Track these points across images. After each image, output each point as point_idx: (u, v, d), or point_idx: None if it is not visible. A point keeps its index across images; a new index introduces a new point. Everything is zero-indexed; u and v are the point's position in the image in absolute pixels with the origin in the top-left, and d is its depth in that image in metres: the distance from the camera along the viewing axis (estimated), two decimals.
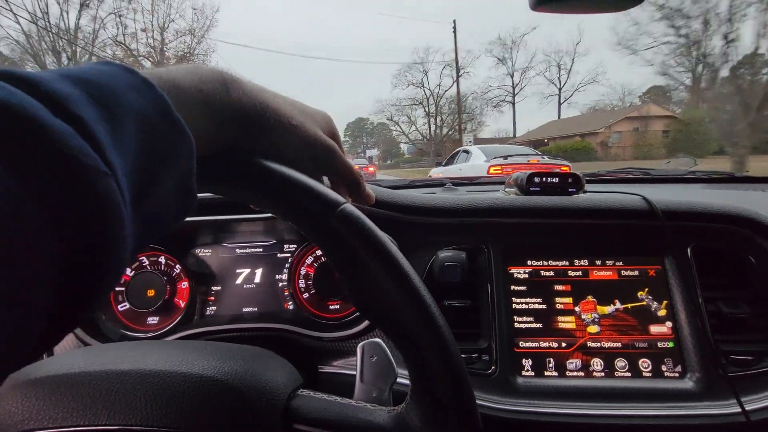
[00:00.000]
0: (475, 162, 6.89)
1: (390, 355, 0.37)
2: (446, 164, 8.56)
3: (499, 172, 5.14)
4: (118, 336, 0.63)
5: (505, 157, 5.54)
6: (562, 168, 5.51)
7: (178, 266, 0.65)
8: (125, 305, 0.63)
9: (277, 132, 0.29)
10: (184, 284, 0.65)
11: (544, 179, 0.62)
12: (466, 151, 8.02)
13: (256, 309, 0.66)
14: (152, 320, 0.64)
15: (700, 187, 1.08)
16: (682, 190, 1.05)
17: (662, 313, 0.58)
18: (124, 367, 0.31)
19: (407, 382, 0.55)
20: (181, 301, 0.64)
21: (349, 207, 0.28)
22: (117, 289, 0.64)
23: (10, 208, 0.14)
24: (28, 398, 0.30)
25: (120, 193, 0.18)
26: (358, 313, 0.64)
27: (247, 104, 0.27)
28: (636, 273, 0.59)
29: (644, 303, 0.58)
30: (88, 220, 0.17)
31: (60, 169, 0.16)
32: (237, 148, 0.28)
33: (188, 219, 0.60)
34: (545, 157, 6.77)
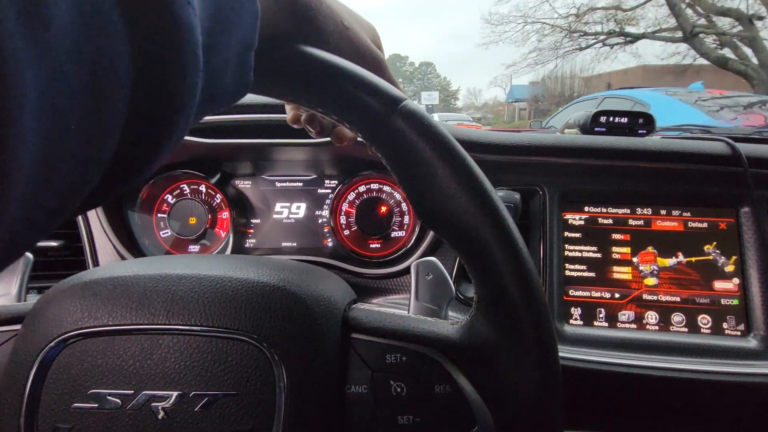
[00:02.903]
0: None
1: (446, 273, 0.35)
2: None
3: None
4: None
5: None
6: None
7: (219, 196, 0.64)
8: (167, 231, 0.63)
9: (329, 30, 0.27)
10: (225, 214, 0.64)
11: (611, 118, 0.56)
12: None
13: (294, 244, 0.65)
14: (193, 248, 0.64)
15: None
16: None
17: (730, 269, 0.54)
18: (178, 271, 0.30)
19: (455, 315, 0.53)
20: (222, 231, 0.64)
21: (412, 103, 0.25)
22: (159, 215, 0.64)
23: (96, 20, 0.12)
24: (85, 298, 0.29)
25: (198, 28, 0.15)
26: (399, 252, 0.62)
27: None
28: (704, 225, 0.55)
29: (710, 257, 0.54)
30: (166, 44, 0.14)
31: None
32: (287, 35, 0.25)
33: (227, 141, 0.58)
34: None
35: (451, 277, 0.56)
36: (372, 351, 0.28)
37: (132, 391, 0.26)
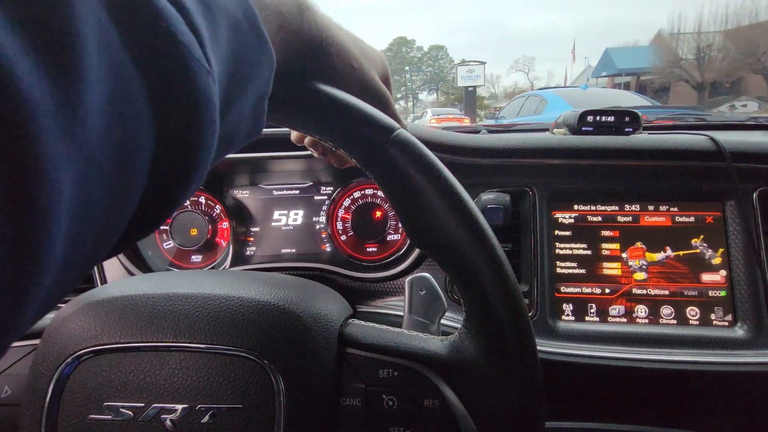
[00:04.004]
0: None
1: (439, 289, 0.37)
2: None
3: None
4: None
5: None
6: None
7: (218, 206, 0.65)
8: (170, 243, 0.65)
9: (337, 69, 0.29)
10: (225, 224, 0.66)
11: (597, 117, 0.58)
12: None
13: (294, 250, 0.67)
14: (196, 258, 0.66)
15: (761, 134, 1.00)
16: (744, 137, 0.97)
17: (717, 261, 0.55)
18: (184, 290, 0.32)
19: (452, 323, 0.55)
20: (222, 241, 0.66)
21: (404, 132, 0.27)
22: (162, 228, 0.65)
23: (121, 81, 0.13)
24: (98, 316, 0.31)
25: (216, 94, 0.17)
26: (395, 256, 0.64)
27: (316, 36, 0.27)
28: (691, 219, 0.56)
29: (698, 251, 0.56)
30: (186, 112, 0.16)
31: (168, 56, 0.15)
32: (295, 74, 0.27)
33: (226, 156, 0.60)
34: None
35: (445, 282, 0.58)
36: (365, 366, 0.30)
37: (143, 404, 0.29)
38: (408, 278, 0.37)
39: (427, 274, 0.37)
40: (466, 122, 10.60)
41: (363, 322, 0.34)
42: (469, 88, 16.73)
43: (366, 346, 0.31)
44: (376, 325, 0.33)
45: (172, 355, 0.29)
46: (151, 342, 0.29)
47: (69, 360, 0.30)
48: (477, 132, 1.07)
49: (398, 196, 0.27)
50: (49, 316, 0.33)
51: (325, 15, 0.28)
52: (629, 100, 4.86)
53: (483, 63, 16.83)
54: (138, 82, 0.14)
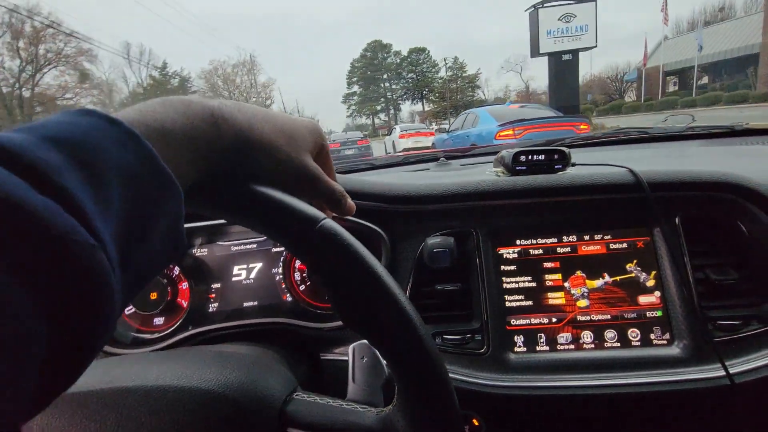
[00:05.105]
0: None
1: (379, 356, 0.39)
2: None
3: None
4: (129, 338, 0.66)
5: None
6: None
7: (176, 268, 0.66)
8: (131, 309, 0.66)
9: (263, 164, 0.30)
10: (185, 285, 0.67)
11: (530, 157, 0.61)
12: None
13: (256, 303, 0.68)
14: (158, 321, 0.67)
15: (699, 144, 1.06)
16: (681, 148, 1.03)
17: (651, 283, 0.59)
18: (128, 383, 0.34)
19: None
20: (183, 301, 0.67)
21: (329, 223, 0.29)
22: None
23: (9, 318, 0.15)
24: (45, 416, 0.32)
25: (108, 261, 0.18)
26: None
27: (236, 142, 0.27)
28: (624, 245, 0.60)
29: (633, 275, 0.59)
30: (77, 298, 0.17)
31: (46, 250, 0.16)
32: (221, 177, 0.28)
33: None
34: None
35: None
36: None
37: None
38: (351, 346, 0.39)
39: (367, 342, 0.39)
40: (432, 139, 11.06)
41: (305, 397, 0.36)
42: (565, 56, 8.71)
43: (306, 426, 0.33)
44: (318, 400, 0.35)
45: None
46: None
47: None
48: (436, 159, 1.12)
49: (326, 281, 0.29)
50: None
51: (246, 113, 0.29)
52: (536, 112, 6.44)
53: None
54: (16, 290, 0.15)
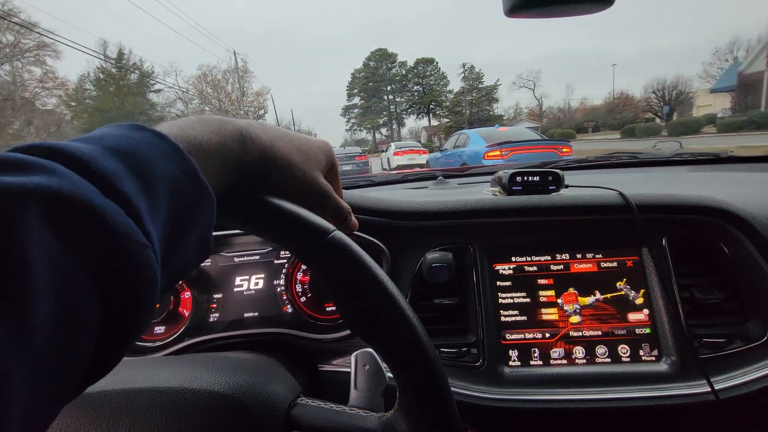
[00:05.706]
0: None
1: (380, 363, 0.40)
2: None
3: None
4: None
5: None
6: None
7: None
8: None
9: (281, 179, 0.32)
10: (187, 294, 0.68)
11: (525, 178, 0.64)
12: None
13: (256, 314, 0.69)
14: (159, 329, 0.67)
15: (686, 170, 1.11)
16: (669, 173, 1.07)
17: (640, 301, 0.61)
18: (139, 385, 0.35)
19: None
20: (185, 311, 0.68)
21: (338, 234, 0.31)
22: None
23: (67, 283, 0.17)
24: (57, 417, 0.34)
25: (156, 260, 0.20)
26: None
27: (259, 160, 0.30)
28: (615, 264, 0.62)
29: (623, 293, 0.62)
30: (128, 289, 0.19)
31: (109, 245, 0.18)
32: (243, 190, 0.31)
33: None
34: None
35: None
36: None
37: None
38: (353, 354, 0.41)
39: (370, 350, 0.41)
40: (426, 156, 11.55)
41: (310, 402, 0.37)
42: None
43: (309, 428, 0.34)
44: (321, 404, 0.36)
45: None
46: None
47: None
48: (435, 177, 1.15)
49: (333, 289, 0.31)
50: None
51: (270, 134, 0.32)
52: (523, 134, 7.11)
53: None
54: (82, 277, 0.18)
